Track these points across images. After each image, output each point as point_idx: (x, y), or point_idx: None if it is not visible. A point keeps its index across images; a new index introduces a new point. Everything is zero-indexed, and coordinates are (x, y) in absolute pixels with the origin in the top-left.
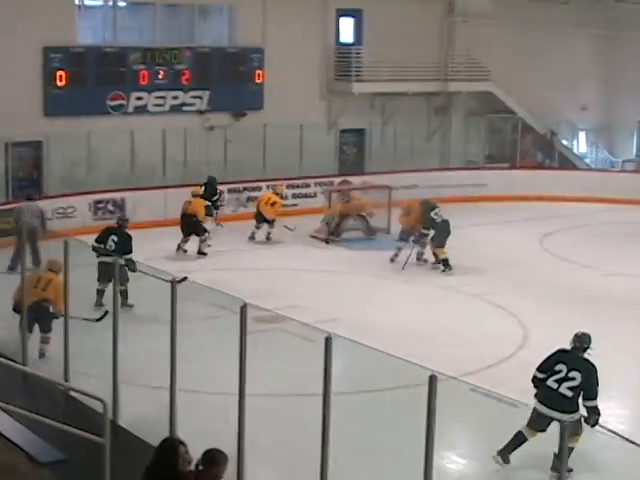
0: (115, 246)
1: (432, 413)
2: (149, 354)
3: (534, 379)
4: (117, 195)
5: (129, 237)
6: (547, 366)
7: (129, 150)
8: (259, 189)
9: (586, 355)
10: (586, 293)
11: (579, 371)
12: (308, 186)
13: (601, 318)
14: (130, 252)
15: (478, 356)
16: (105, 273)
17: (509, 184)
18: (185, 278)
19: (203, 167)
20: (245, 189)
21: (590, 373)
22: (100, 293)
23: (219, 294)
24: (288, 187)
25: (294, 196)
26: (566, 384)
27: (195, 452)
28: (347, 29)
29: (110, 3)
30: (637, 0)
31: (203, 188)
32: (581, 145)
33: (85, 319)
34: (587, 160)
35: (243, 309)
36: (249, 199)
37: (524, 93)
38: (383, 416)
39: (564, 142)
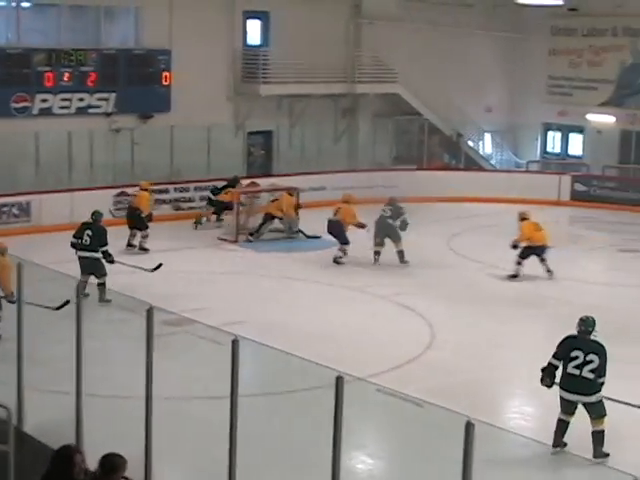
0: (90, 240)
1: (339, 414)
2: (56, 358)
3: (549, 366)
4: (22, 198)
5: (104, 231)
6: (563, 354)
7: (34, 153)
8: (167, 191)
9: (592, 337)
10: (492, 293)
11: (596, 353)
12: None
13: (507, 318)
14: (105, 245)
15: (386, 356)
16: (84, 267)
17: (416, 185)
18: (160, 265)
19: (109, 169)
20: (153, 191)
21: (603, 353)
22: (82, 284)
23: (128, 297)
24: (196, 189)
25: (201, 198)
26: (587, 368)
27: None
28: (254, 31)
29: (13, 4)
30: (540, 4)
31: (224, 184)
32: (487, 146)
33: (46, 307)
34: (492, 161)
35: (149, 312)
36: (156, 201)
37: (430, 95)
38: (291, 418)
39: (470, 143)
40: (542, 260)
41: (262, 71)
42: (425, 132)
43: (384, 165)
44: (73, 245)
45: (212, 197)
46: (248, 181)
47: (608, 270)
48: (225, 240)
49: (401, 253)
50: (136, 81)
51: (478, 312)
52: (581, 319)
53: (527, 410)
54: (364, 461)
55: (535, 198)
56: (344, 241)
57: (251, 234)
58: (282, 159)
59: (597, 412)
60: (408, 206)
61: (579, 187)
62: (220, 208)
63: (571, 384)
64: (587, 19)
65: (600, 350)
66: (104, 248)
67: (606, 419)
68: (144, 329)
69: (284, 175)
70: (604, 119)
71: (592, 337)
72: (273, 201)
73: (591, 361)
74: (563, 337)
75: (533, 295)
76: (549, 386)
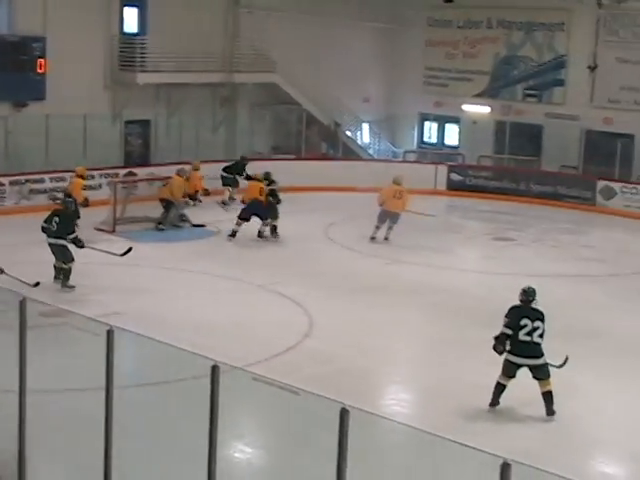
0: (57, 227)
1: (215, 403)
2: None
3: (502, 335)
4: None
5: (72, 219)
6: (514, 323)
7: None
8: (42, 181)
9: (534, 305)
10: (370, 281)
11: (540, 320)
12: (93, 177)
13: (385, 306)
14: (73, 232)
15: (264, 345)
16: (54, 252)
17: (294, 175)
18: (130, 249)
19: None
20: (27, 181)
21: (544, 319)
22: (57, 269)
23: (1, 289)
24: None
25: None
26: (536, 333)
27: None
28: (131, 19)
29: None
30: None
31: (232, 163)
32: (364, 136)
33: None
34: (370, 151)
35: (22, 304)
36: (31, 191)
37: (309, 85)
38: (168, 408)
39: (348, 133)
40: (390, 227)
41: (139, 59)
42: (303, 122)
43: (262, 155)
44: (43, 230)
45: (224, 174)
46: (125, 171)
47: (483, 258)
48: (103, 230)
49: (275, 227)
50: (10, 68)
51: (356, 300)
52: (523, 290)
53: (403, 397)
54: (242, 450)
55: (412, 188)
56: (267, 216)
57: (160, 223)
58: (160, 148)
59: (544, 374)
60: (287, 196)
61: (455, 177)
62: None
63: (523, 350)
64: (463, 11)
65: (542, 316)
66: (72, 235)
67: (551, 380)
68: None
69: (162, 165)
70: (479, 110)
71: (533, 305)
72: (164, 185)
73: (538, 327)
74: (509, 308)
75: (410, 283)
76: (501, 352)
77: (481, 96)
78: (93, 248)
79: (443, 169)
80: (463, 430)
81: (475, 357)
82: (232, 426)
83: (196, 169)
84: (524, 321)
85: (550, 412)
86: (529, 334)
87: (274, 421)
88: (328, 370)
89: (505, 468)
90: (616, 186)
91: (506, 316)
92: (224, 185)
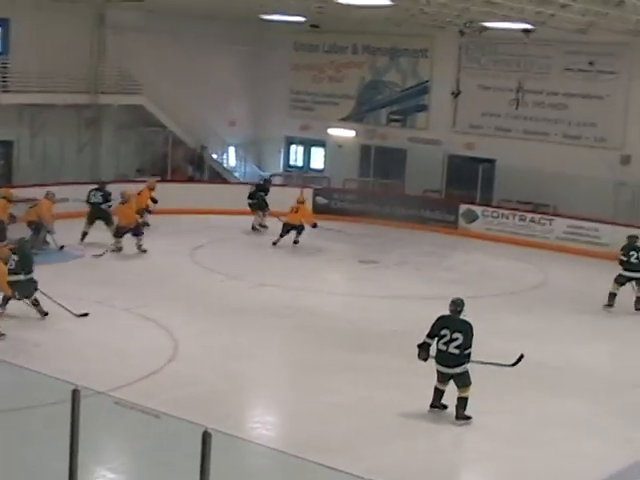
0: (15, 265)
1: (75, 427)
2: None
3: (423, 344)
4: None
5: (29, 256)
6: (434, 333)
7: None
8: None
9: (462, 316)
10: (235, 304)
11: (460, 331)
12: None
13: (250, 329)
14: (31, 272)
15: (129, 369)
16: (15, 289)
17: (160, 197)
18: (86, 314)
19: None
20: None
21: (468, 330)
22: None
23: None
24: None
25: None
26: (453, 344)
27: None
28: None
29: None
30: (282, 20)
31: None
32: (231, 159)
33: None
34: (236, 174)
35: None
36: None
37: (175, 107)
38: (29, 434)
39: (214, 156)
40: (298, 234)
41: (2, 80)
42: (169, 144)
43: (128, 177)
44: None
45: (250, 201)
46: None
47: (348, 280)
48: None
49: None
50: None
51: (221, 323)
52: (452, 301)
53: (268, 419)
54: (104, 475)
55: (278, 210)
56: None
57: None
58: (23, 170)
59: (462, 382)
60: (151, 218)
61: (320, 200)
62: (261, 205)
63: (441, 358)
64: (329, 36)
65: (464, 327)
66: (29, 275)
67: (471, 388)
68: None
69: (25, 186)
70: (345, 133)
71: (462, 316)
72: (32, 207)
73: (456, 338)
74: (437, 317)
75: (275, 305)
76: (425, 359)
77: (346, 120)
78: (45, 294)
79: (309, 192)
80: (332, 451)
81: (339, 378)
82: (94, 451)
83: (151, 188)
84: (444, 331)
85: (459, 416)
86: (446, 344)
87: (136, 445)
88: (192, 393)
89: None
90: (478, 210)
91: (432, 325)
92: (254, 209)
